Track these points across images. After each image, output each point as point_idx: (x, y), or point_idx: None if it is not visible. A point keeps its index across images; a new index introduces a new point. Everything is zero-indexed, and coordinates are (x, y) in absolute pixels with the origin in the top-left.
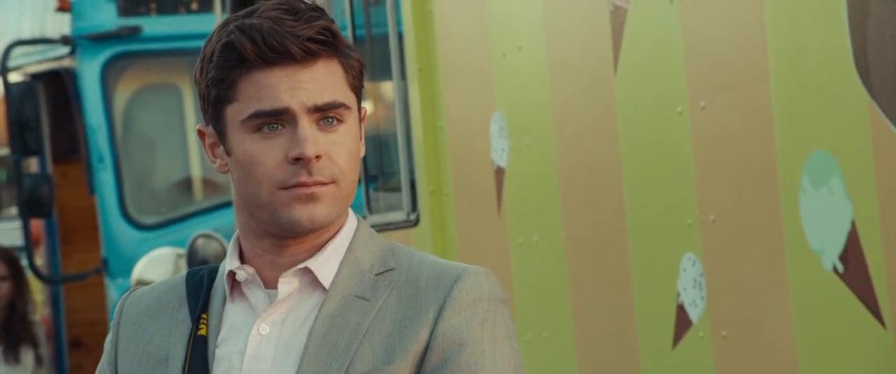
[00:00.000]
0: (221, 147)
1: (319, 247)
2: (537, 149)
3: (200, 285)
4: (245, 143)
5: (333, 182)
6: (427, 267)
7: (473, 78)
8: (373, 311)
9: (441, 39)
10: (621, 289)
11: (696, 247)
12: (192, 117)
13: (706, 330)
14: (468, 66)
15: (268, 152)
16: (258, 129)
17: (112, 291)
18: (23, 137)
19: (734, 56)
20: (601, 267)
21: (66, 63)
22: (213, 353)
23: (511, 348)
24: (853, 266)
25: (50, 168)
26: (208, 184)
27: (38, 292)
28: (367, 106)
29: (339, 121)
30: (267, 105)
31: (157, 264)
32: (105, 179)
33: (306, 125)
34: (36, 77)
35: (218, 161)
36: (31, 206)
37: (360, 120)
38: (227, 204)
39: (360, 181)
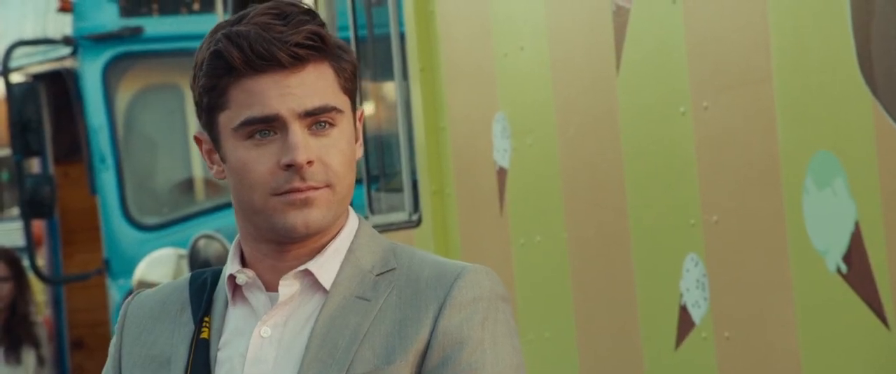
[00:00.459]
0: (217, 154)
1: (319, 249)
2: (539, 149)
3: (203, 288)
4: (238, 150)
5: (328, 186)
6: (428, 266)
7: (475, 78)
8: (373, 311)
9: (443, 40)
10: (624, 290)
11: (699, 247)
12: (193, 118)
13: (709, 331)
14: (470, 66)
15: (260, 159)
16: (250, 136)
17: (114, 291)
18: (24, 138)
19: (737, 56)
20: (604, 268)
21: (67, 63)
22: (215, 356)
23: (512, 346)
24: (857, 267)
25: (51, 169)
26: (210, 185)
27: (39, 292)
28: (369, 106)
29: (331, 125)
30: (257, 112)
31: (159, 265)
32: (107, 179)
33: (297, 131)
34: (38, 77)
35: (215, 167)
36: (33, 206)
37: (357, 121)
38: (229, 205)
39: (361, 182)
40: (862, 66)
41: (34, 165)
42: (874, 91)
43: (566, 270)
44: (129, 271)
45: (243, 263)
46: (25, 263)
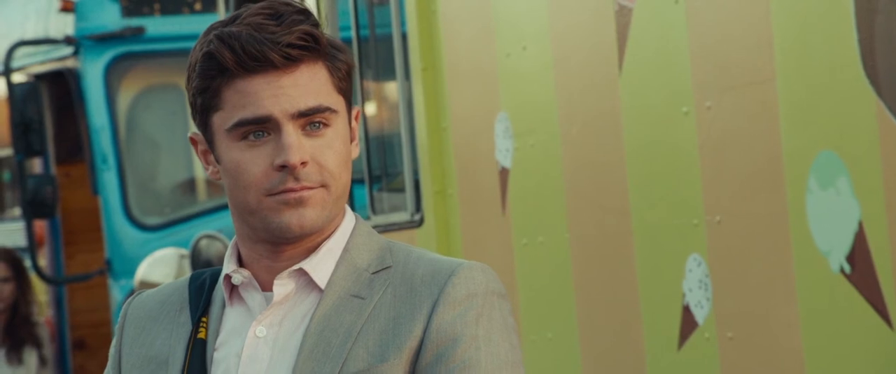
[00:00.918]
0: (212, 154)
1: (314, 248)
2: (542, 149)
3: (202, 288)
4: (232, 151)
5: (322, 186)
6: (423, 264)
7: (478, 78)
8: (367, 309)
9: (445, 39)
10: (626, 290)
11: (702, 248)
12: None
13: (712, 331)
14: (472, 66)
15: (254, 160)
16: (244, 137)
17: (116, 292)
18: (26, 138)
19: (740, 56)
20: (606, 268)
21: (69, 63)
22: (212, 356)
23: (509, 342)
24: (860, 267)
25: (53, 169)
26: (211, 185)
27: (41, 293)
28: (371, 106)
29: (325, 125)
30: (250, 113)
31: (161, 265)
32: (109, 179)
33: (291, 132)
34: (39, 77)
35: (210, 168)
36: (35, 207)
37: (353, 120)
38: None
39: (363, 182)
40: (865, 65)
41: (36, 165)
42: (878, 91)
43: (568, 270)
44: (131, 272)
45: (240, 263)
46: (27, 263)
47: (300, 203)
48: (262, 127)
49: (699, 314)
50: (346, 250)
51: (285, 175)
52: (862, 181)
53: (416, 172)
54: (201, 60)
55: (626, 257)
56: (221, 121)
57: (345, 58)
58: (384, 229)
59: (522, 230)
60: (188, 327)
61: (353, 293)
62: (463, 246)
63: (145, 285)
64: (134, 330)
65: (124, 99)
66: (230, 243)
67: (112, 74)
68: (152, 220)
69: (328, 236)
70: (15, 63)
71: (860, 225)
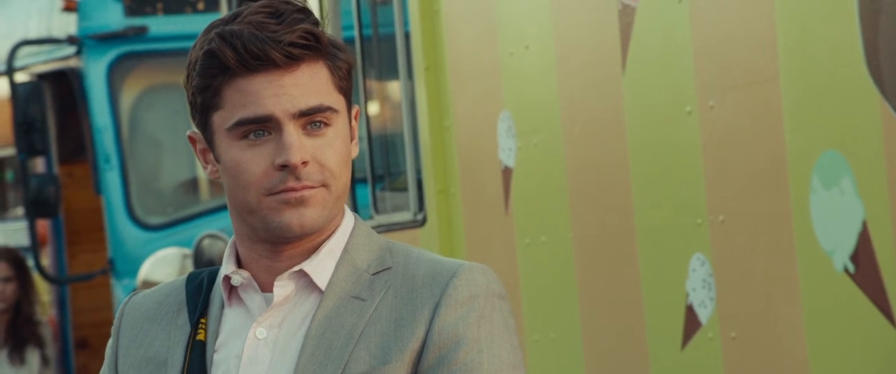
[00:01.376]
0: (211, 153)
1: (314, 249)
2: (545, 148)
3: (200, 288)
4: (232, 150)
5: (323, 186)
6: (424, 265)
7: (481, 77)
8: (369, 311)
9: (448, 39)
10: (630, 290)
11: (705, 247)
12: None
13: (715, 331)
14: (475, 65)
15: (255, 160)
16: (244, 136)
17: (118, 291)
18: (29, 138)
19: (743, 55)
20: (609, 268)
21: (72, 63)
22: (212, 358)
23: (510, 344)
24: (864, 267)
25: (56, 168)
26: (214, 184)
27: (44, 292)
28: (374, 105)
29: (326, 124)
30: (251, 112)
31: (164, 265)
32: (111, 179)
33: (292, 132)
34: (42, 77)
35: (209, 167)
36: (38, 206)
37: (353, 119)
38: None
39: (366, 181)
40: (869, 64)
41: (39, 164)
42: (882, 90)
43: (572, 270)
44: (134, 271)
45: (239, 263)
46: (30, 263)
47: (301, 203)
48: (262, 126)
49: (702, 314)
50: (345, 250)
51: (286, 175)
52: (866, 181)
53: (418, 172)
54: (202, 59)
55: (629, 257)
56: (222, 120)
57: (345, 57)
58: (387, 228)
59: (525, 230)
60: (187, 328)
61: (354, 295)
62: (466, 246)
63: (148, 284)
64: (131, 331)
65: (127, 98)
66: (228, 243)
67: (115, 74)
68: (155, 219)
69: (328, 237)
70: (18, 62)
71: (864, 224)
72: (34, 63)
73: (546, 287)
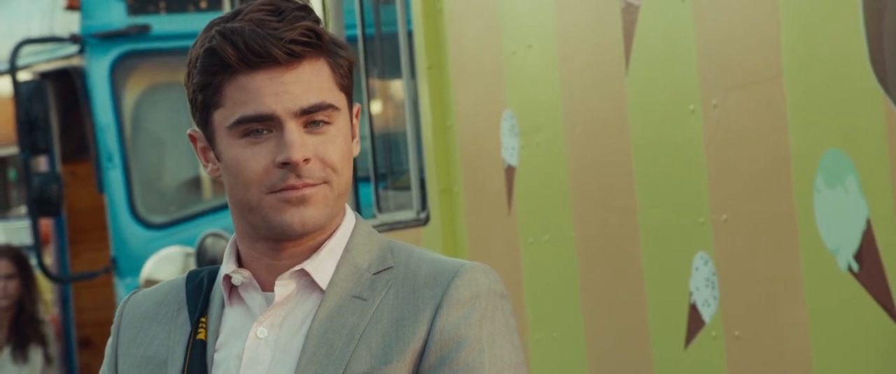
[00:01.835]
0: (212, 151)
1: (316, 248)
2: (548, 147)
3: (200, 287)
4: (233, 148)
5: (325, 183)
6: (425, 264)
7: (484, 76)
8: (370, 311)
9: (451, 37)
10: (633, 288)
11: (709, 246)
12: None
13: (719, 330)
14: (478, 64)
15: (256, 157)
16: (245, 134)
17: (121, 290)
18: (32, 136)
19: (747, 53)
20: (612, 266)
21: (75, 62)
22: (212, 357)
23: (511, 344)
24: (868, 265)
25: (59, 167)
26: (217, 183)
27: (47, 291)
28: (377, 104)
29: (328, 122)
30: (252, 110)
31: (166, 264)
32: (114, 178)
33: (293, 129)
34: (45, 76)
35: (210, 165)
36: (40, 205)
37: (353, 117)
38: None
39: (369, 180)
40: (873, 63)
41: (41, 163)
42: (886, 88)
43: (575, 268)
44: (137, 270)
45: (239, 262)
46: (33, 261)
47: (302, 201)
48: (263, 125)
49: (706, 313)
50: (346, 250)
51: (287, 172)
52: (870, 179)
53: (421, 171)
54: (203, 56)
55: (632, 256)
56: (222, 118)
57: (346, 55)
58: (390, 227)
59: (528, 229)
60: (187, 327)
61: (355, 294)
62: (469, 244)
63: (151, 283)
64: (131, 330)
65: (130, 97)
66: (229, 242)
67: (118, 73)
68: (158, 218)
69: (329, 236)
70: (20, 61)
71: (868, 223)
72: (37, 62)
73: (549, 286)
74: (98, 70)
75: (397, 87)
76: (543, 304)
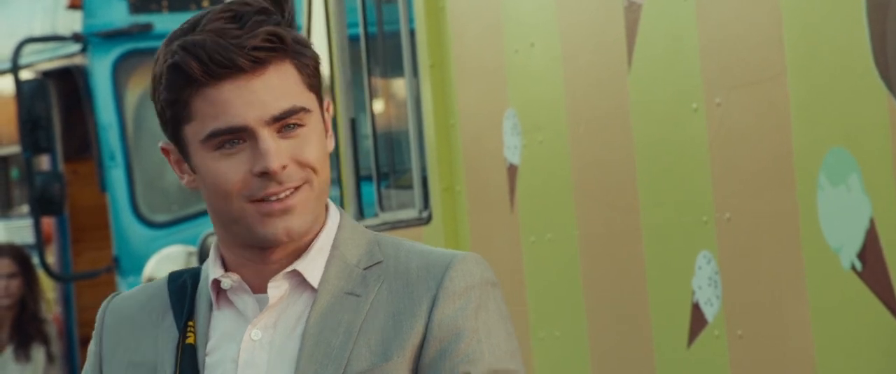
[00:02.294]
0: (187, 164)
1: (304, 248)
2: (550, 146)
3: (184, 291)
4: (208, 161)
5: (306, 183)
6: (415, 257)
7: (486, 75)
8: (365, 307)
9: (453, 36)
10: (636, 287)
11: (712, 245)
12: None
13: (721, 329)
14: (480, 62)
15: (232, 168)
16: (219, 147)
17: (123, 289)
18: (34, 135)
19: (750, 52)
20: (615, 265)
21: (77, 60)
22: (203, 361)
23: (506, 331)
24: (872, 264)
25: (61, 166)
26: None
27: (49, 290)
28: (379, 103)
29: (300, 125)
30: (223, 123)
31: (169, 262)
32: (116, 177)
33: (267, 138)
34: (47, 74)
35: (185, 177)
36: (43, 204)
37: (325, 112)
38: None
39: (371, 179)
40: (877, 61)
41: (44, 162)
42: (889, 86)
43: (577, 267)
44: (139, 269)
45: (224, 266)
46: (35, 260)
47: (285, 212)
48: (236, 135)
49: (709, 312)
50: (334, 246)
51: (266, 180)
52: (873, 178)
53: (423, 169)
54: (167, 72)
55: (634, 255)
56: (194, 132)
57: (311, 53)
58: (392, 226)
59: (531, 227)
60: (174, 331)
61: (347, 291)
62: (471, 243)
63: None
64: (115, 334)
65: (132, 96)
66: (213, 246)
67: (120, 71)
68: (160, 217)
69: (317, 235)
70: (23, 60)
71: (871, 222)
72: (39, 61)
73: (551, 285)
74: (100, 69)
75: (399, 85)
76: (546, 303)
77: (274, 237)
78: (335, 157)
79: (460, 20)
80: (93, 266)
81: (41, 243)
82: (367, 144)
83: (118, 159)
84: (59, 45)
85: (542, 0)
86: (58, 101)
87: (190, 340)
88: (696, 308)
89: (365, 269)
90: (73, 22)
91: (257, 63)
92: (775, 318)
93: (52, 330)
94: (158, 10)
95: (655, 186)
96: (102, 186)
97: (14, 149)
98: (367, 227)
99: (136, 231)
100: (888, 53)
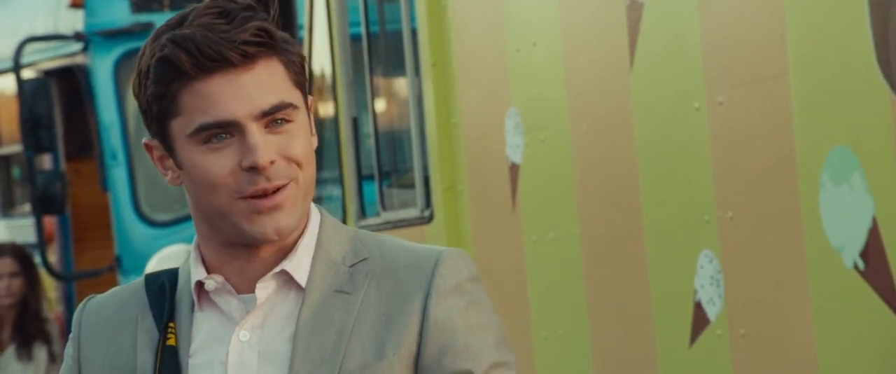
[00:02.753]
0: (171, 160)
1: (289, 246)
2: (552, 145)
3: (162, 292)
4: (195, 155)
5: (292, 180)
6: (401, 253)
7: (488, 74)
8: (356, 305)
9: (455, 35)
10: (638, 286)
11: (714, 244)
12: None
13: (723, 328)
14: (483, 61)
15: (220, 162)
16: (206, 141)
17: None
18: (36, 134)
19: (753, 51)
20: (617, 264)
21: (79, 59)
22: (187, 363)
23: (495, 323)
24: (874, 263)
25: (63, 165)
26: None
27: (51, 289)
28: (381, 102)
29: (287, 121)
30: (211, 117)
31: (170, 262)
32: (118, 176)
33: (255, 132)
34: (49, 74)
35: (169, 173)
36: (45, 203)
37: (309, 110)
38: None
39: (373, 178)
40: (879, 59)
41: (45, 161)
42: (892, 85)
43: (579, 266)
44: (141, 268)
45: (206, 266)
46: (37, 259)
47: (274, 209)
48: (224, 130)
49: (711, 311)
50: (318, 244)
51: (254, 175)
52: (876, 177)
53: (425, 169)
54: (155, 66)
55: (637, 254)
56: (181, 126)
57: (297, 50)
58: (394, 225)
59: (533, 227)
60: (155, 333)
61: (336, 289)
62: (473, 242)
63: None
64: (93, 337)
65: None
66: (192, 246)
67: (121, 70)
68: (162, 216)
69: (301, 233)
70: (24, 59)
71: (874, 221)
72: (41, 60)
73: (554, 284)
74: (102, 68)
75: (401, 84)
76: (548, 302)
77: (263, 235)
78: (337, 156)
79: (462, 19)
80: (95, 265)
81: (43, 243)
82: (369, 143)
83: (120, 158)
84: (60, 44)
85: None
86: (59, 100)
87: (170, 341)
88: (698, 307)
89: (351, 266)
90: (74, 21)
91: (247, 57)
92: (777, 317)
93: (54, 329)
94: (160, 8)
95: (657, 185)
96: (104, 185)
97: (16, 148)
98: (368, 226)
99: (137, 230)
100: (891, 52)
